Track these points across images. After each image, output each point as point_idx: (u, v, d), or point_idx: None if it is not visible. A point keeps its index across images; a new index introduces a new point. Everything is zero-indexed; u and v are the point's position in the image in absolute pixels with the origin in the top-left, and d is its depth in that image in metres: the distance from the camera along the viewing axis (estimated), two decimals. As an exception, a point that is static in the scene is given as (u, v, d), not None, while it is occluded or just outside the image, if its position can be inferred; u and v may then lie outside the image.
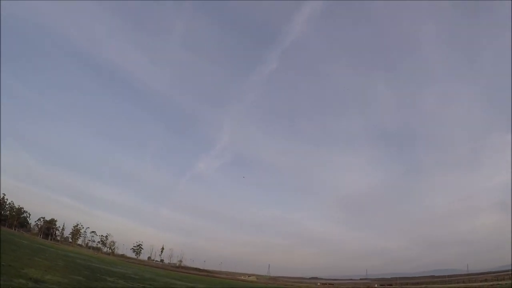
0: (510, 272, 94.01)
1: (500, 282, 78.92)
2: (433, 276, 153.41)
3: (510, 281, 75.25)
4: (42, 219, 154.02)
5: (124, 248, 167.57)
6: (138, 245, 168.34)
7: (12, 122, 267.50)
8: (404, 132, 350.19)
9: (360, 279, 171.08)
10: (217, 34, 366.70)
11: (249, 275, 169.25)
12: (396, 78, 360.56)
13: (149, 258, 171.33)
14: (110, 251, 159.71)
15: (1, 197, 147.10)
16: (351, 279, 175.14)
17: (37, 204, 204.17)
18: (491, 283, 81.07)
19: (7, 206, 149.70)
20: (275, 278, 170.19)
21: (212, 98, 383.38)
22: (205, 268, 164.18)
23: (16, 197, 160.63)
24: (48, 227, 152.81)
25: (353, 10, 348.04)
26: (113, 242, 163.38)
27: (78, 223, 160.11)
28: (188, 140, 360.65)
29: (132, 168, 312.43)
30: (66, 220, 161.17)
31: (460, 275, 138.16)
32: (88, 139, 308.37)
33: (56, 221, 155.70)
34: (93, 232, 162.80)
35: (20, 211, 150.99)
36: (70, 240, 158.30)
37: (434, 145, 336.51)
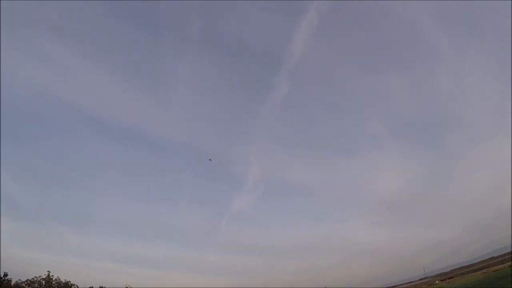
0: None
1: None
2: (493, 258, 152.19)
3: None
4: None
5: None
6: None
7: (44, 199, 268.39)
8: (426, 119, 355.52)
9: (420, 279, 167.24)
10: (222, 71, 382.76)
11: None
12: (405, 68, 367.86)
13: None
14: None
15: (47, 274, 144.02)
16: (410, 282, 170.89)
17: (83, 275, 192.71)
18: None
19: (53, 282, 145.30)
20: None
21: (232, 134, 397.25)
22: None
23: (61, 272, 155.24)
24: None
25: (346, 14, 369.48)
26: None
27: (127, 285, 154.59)
28: (218, 182, 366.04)
29: (169, 221, 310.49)
30: (114, 284, 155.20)
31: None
32: (119, 202, 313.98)
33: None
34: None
35: (67, 285, 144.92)
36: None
37: (458, 124, 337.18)
